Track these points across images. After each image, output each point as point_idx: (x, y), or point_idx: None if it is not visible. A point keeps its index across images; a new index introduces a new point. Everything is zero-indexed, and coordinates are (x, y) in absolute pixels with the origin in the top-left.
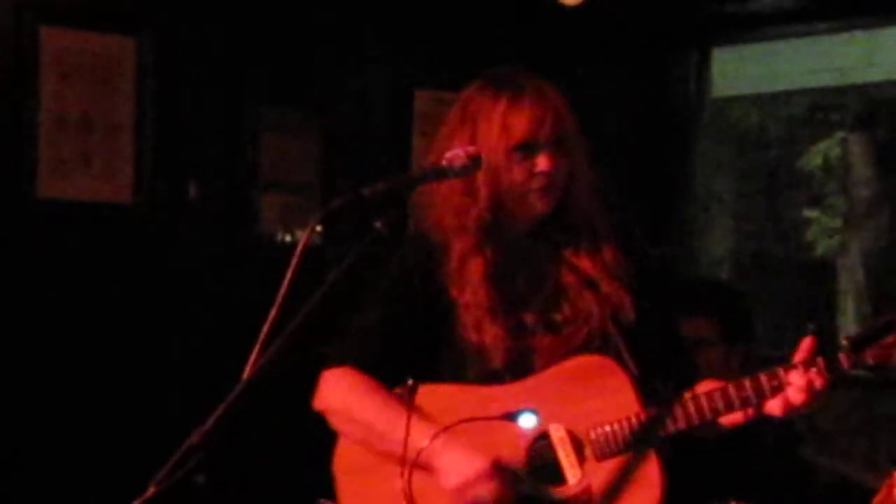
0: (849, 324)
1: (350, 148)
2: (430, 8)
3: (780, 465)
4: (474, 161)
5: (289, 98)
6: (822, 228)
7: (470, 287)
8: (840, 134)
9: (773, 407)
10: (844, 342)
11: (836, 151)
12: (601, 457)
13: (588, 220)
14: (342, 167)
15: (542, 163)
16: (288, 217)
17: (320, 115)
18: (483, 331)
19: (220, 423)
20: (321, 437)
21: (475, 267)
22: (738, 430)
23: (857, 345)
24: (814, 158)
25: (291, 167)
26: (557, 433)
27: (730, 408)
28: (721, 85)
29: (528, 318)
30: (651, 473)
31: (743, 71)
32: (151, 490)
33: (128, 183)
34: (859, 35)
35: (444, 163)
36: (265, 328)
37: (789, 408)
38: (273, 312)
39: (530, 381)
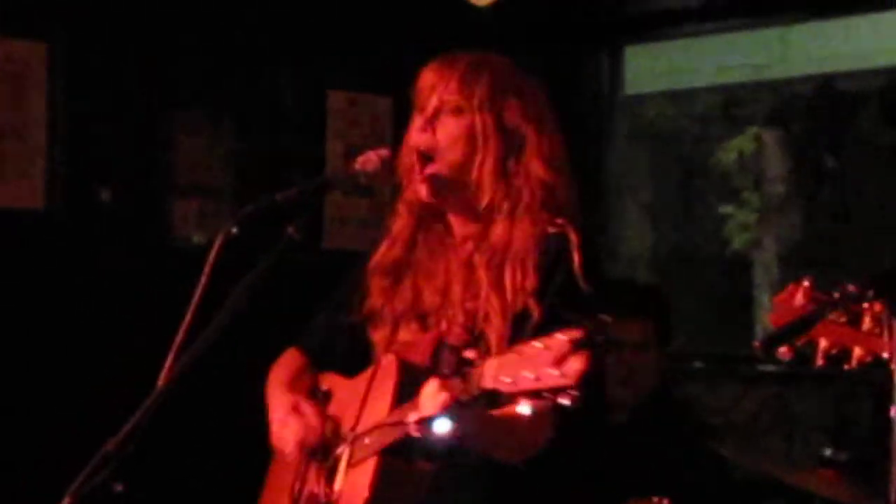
0: (764, 318)
1: (264, 151)
2: (341, 9)
3: (696, 461)
4: (386, 164)
5: (202, 101)
6: (737, 224)
7: (376, 283)
8: (754, 130)
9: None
10: (757, 346)
11: (749, 147)
12: (353, 463)
13: (493, 210)
14: (256, 170)
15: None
16: (202, 221)
17: (233, 118)
18: (376, 328)
19: (136, 431)
20: (241, 442)
21: (381, 261)
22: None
23: (769, 346)
24: (728, 154)
25: (205, 171)
26: (348, 436)
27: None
28: (634, 83)
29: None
30: (362, 481)
31: (656, 68)
32: (67, 500)
33: (40, 188)
34: (772, 31)
35: (356, 166)
36: (179, 334)
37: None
38: (187, 318)
39: (360, 377)
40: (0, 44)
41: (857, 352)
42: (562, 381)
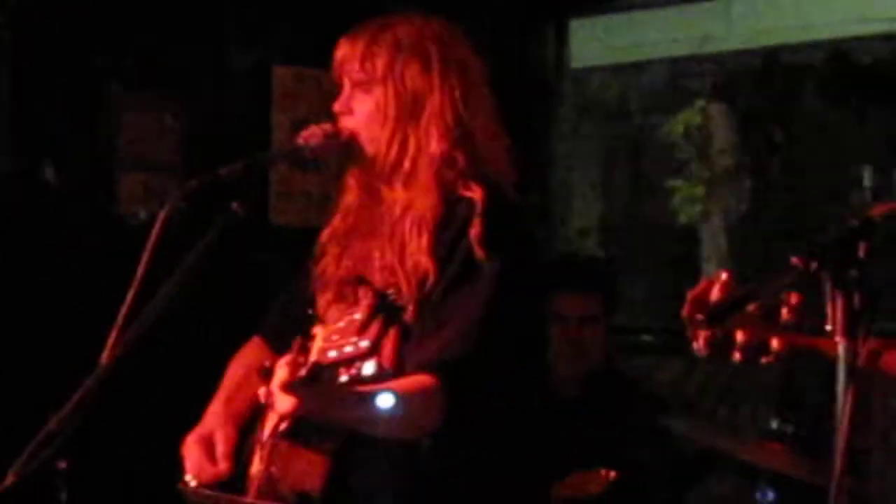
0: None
1: (210, 126)
2: None
3: (644, 434)
4: (330, 138)
5: (147, 77)
6: (684, 196)
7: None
8: (700, 102)
9: None
10: (699, 318)
11: (696, 120)
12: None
13: (397, 168)
14: (202, 146)
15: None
16: (148, 197)
17: (179, 93)
18: (322, 294)
19: (79, 408)
20: (184, 419)
21: (333, 232)
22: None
23: (714, 318)
24: (675, 127)
25: (151, 146)
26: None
27: None
28: (580, 56)
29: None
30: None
31: (602, 41)
32: (10, 477)
33: None
34: (717, 4)
35: (300, 141)
36: (123, 310)
37: None
38: (130, 294)
39: None
40: None
41: (775, 344)
42: (360, 349)
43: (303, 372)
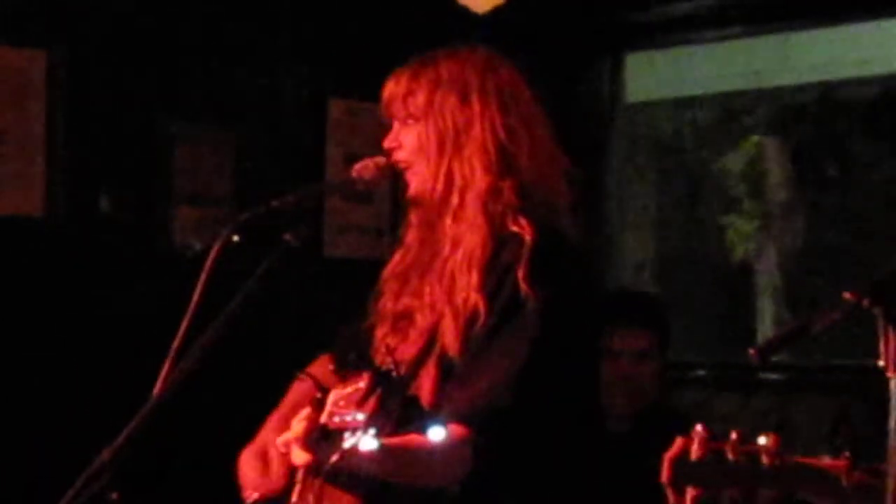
0: (767, 327)
1: (264, 159)
2: (343, 17)
3: None
4: (383, 171)
5: (202, 109)
6: (738, 232)
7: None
8: (755, 138)
9: None
10: (753, 353)
11: (751, 155)
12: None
13: (446, 204)
14: (257, 179)
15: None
16: (203, 229)
17: (233, 126)
18: (380, 328)
19: (132, 440)
20: (237, 452)
21: (393, 269)
22: None
23: (766, 353)
24: (729, 163)
25: (205, 179)
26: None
27: None
28: (635, 90)
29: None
30: None
31: (657, 76)
32: None
33: (40, 196)
34: (772, 38)
35: (353, 174)
36: (175, 343)
37: None
38: (183, 326)
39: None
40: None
41: (763, 495)
42: (355, 423)
43: (315, 430)
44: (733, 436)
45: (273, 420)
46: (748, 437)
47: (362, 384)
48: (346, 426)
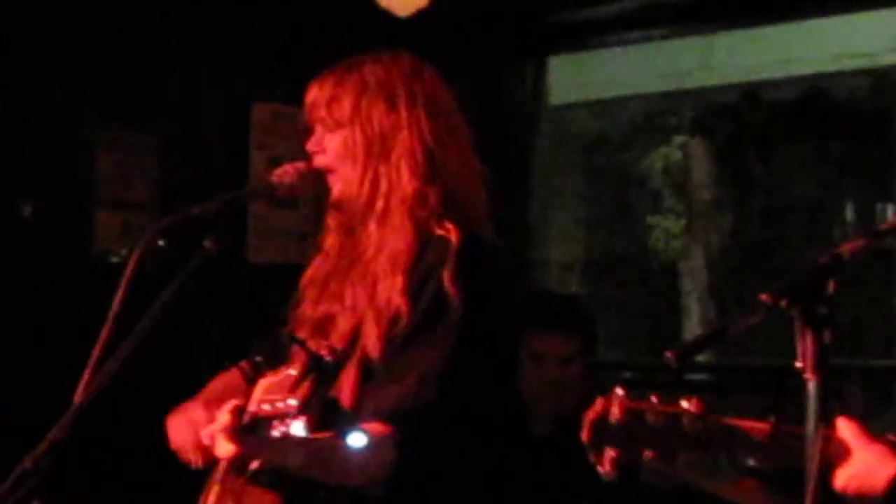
0: (693, 326)
1: (187, 164)
2: (264, 21)
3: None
4: (305, 176)
5: (124, 114)
6: (665, 232)
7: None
8: (679, 139)
9: None
10: (670, 356)
11: (675, 156)
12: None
13: (371, 208)
14: (180, 184)
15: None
16: (125, 236)
17: (156, 130)
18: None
19: (53, 447)
20: (159, 459)
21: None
22: None
23: (683, 356)
24: (654, 163)
25: (128, 185)
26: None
27: None
28: (559, 92)
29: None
30: None
31: (581, 77)
32: None
33: None
34: (696, 40)
35: (274, 178)
36: (96, 350)
37: None
38: (104, 333)
39: None
40: None
41: (683, 458)
42: (286, 408)
43: (245, 419)
44: (653, 398)
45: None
46: (670, 400)
47: (293, 371)
48: (277, 413)
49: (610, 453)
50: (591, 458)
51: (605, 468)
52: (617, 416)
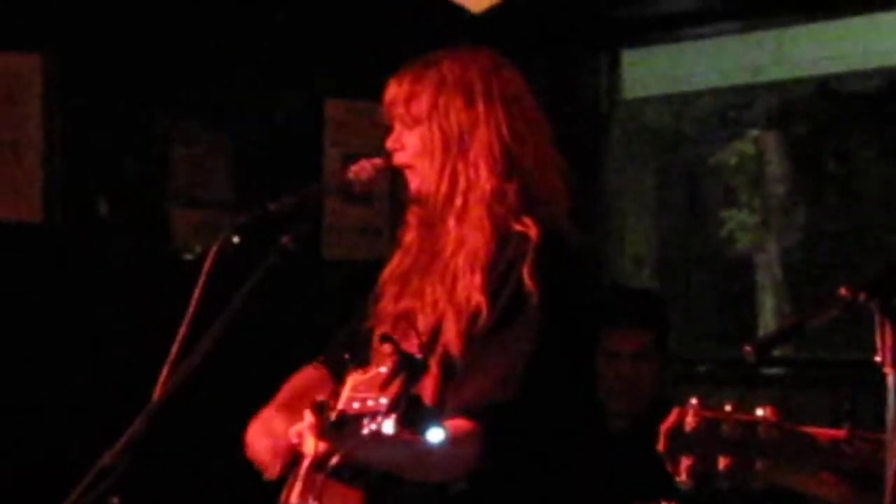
0: (768, 320)
1: (262, 161)
2: (338, 17)
3: None
4: (380, 172)
5: (198, 112)
6: (739, 227)
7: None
8: (753, 132)
9: None
10: (748, 350)
11: (750, 149)
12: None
13: (449, 205)
14: (255, 181)
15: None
16: (201, 233)
17: (231, 127)
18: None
19: (133, 444)
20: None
21: (393, 271)
22: None
23: (762, 350)
24: (728, 157)
25: (203, 182)
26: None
27: None
28: (632, 87)
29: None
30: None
31: (654, 72)
32: None
33: (37, 202)
34: (769, 33)
35: (350, 175)
36: (175, 347)
37: None
38: (182, 330)
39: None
40: None
41: (760, 465)
42: (377, 406)
43: (332, 417)
44: (728, 407)
45: (270, 406)
46: (745, 409)
47: (384, 369)
48: (367, 411)
49: (686, 462)
50: (668, 467)
51: (681, 477)
52: (692, 426)
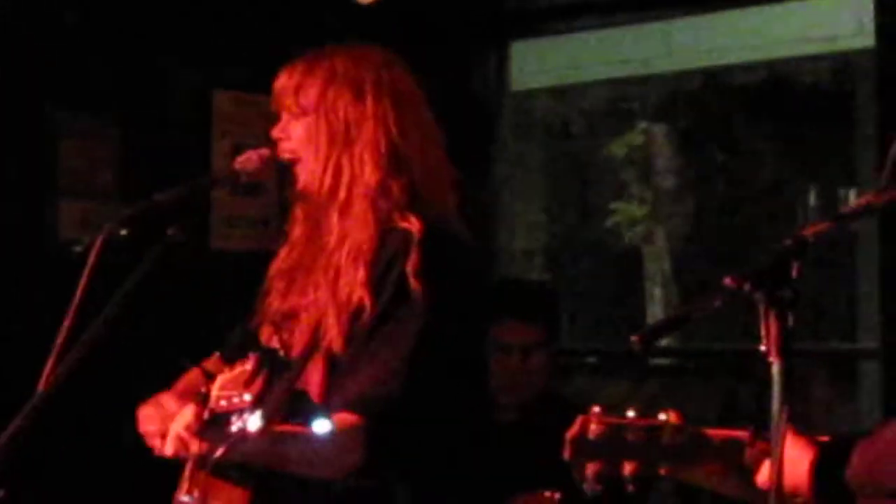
0: (657, 311)
1: (150, 153)
2: (227, 7)
3: None
4: (267, 163)
5: (86, 103)
6: (627, 218)
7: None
8: (642, 124)
9: None
10: (635, 339)
11: (638, 141)
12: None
13: (333, 199)
14: (142, 173)
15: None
16: (87, 225)
17: (118, 119)
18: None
19: (16, 437)
20: (123, 448)
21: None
22: None
23: (648, 340)
24: (617, 149)
25: (89, 173)
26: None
27: None
28: (521, 79)
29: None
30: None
31: (543, 64)
32: None
33: None
34: (657, 25)
35: (236, 166)
36: (59, 338)
37: None
38: (67, 322)
39: None
40: None
41: (663, 468)
42: (241, 403)
43: (205, 415)
44: (630, 413)
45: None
46: (647, 414)
47: (248, 366)
48: (233, 408)
49: (592, 468)
50: (575, 474)
51: (587, 483)
52: (597, 433)
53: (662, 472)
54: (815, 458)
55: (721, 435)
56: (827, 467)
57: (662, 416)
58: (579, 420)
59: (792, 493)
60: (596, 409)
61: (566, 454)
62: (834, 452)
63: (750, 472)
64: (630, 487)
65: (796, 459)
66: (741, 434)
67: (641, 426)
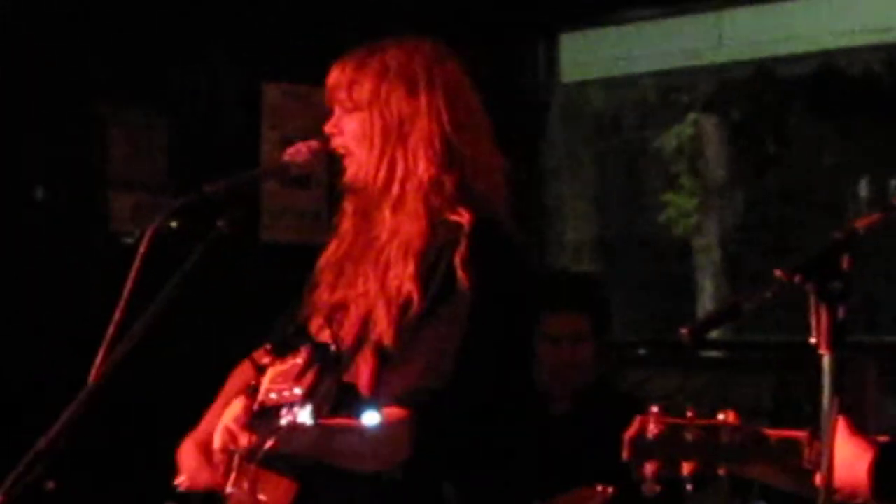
0: (706, 304)
1: (200, 143)
2: (275, 1)
3: None
4: (317, 155)
5: (136, 95)
6: (678, 210)
7: (324, 279)
8: (692, 115)
9: None
10: (685, 333)
11: (689, 133)
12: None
13: (386, 193)
14: (193, 164)
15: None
16: (139, 216)
17: (169, 111)
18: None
19: (68, 428)
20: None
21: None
22: None
23: (698, 333)
24: (668, 141)
25: (141, 166)
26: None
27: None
28: (572, 70)
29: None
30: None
31: (593, 55)
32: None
33: None
34: (708, 16)
35: (286, 158)
36: (110, 330)
37: None
38: (117, 314)
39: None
40: None
41: (722, 468)
42: (292, 397)
43: (255, 408)
44: (689, 413)
45: (216, 408)
46: (706, 414)
47: (300, 360)
48: (283, 401)
49: (650, 468)
50: (634, 475)
51: (647, 483)
52: (655, 433)
53: (721, 471)
54: (875, 459)
55: (779, 435)
56: (887, 468)
57: (720, 416)
58: (637, 420)
59: (851, 493)
60: (654, 409)
61: (625, 454)
62: (894, 453)
63: (809, 472)
64: (689, 487)
65: (855, 460)
66: (800, 434)
67: (699, 426)
